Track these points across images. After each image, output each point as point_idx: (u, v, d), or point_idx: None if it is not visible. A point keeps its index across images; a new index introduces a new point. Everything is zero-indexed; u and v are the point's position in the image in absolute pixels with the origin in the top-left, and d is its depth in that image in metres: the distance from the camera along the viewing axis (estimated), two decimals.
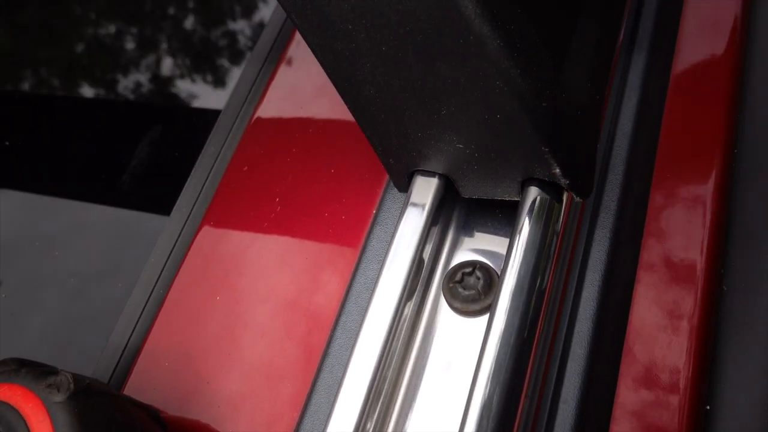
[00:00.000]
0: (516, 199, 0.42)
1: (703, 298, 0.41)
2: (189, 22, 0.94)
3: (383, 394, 0.41)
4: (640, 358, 0.40)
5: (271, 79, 0.61)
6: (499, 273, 0.43)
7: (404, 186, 0.46)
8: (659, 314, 0.41)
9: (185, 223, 0.56)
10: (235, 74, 0.84)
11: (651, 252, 0.43)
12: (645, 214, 0.45)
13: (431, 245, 0.45)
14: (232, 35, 0.90)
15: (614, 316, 0.42)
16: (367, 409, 0.39)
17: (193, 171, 0.59)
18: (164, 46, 0.91)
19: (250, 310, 0.49)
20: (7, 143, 0.80)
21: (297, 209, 0.52)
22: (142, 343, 0.50)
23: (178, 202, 0.57)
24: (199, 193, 0.57)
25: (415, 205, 0.44)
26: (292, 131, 0.57)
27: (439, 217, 0.45)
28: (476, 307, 0.43)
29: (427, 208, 0.44)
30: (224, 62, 0.88)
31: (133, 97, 0.87)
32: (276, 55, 0.63)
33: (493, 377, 0.36)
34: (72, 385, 0.36)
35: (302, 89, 0.59)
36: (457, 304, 0.43)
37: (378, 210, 0.50)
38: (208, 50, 0.90)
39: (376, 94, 0.39)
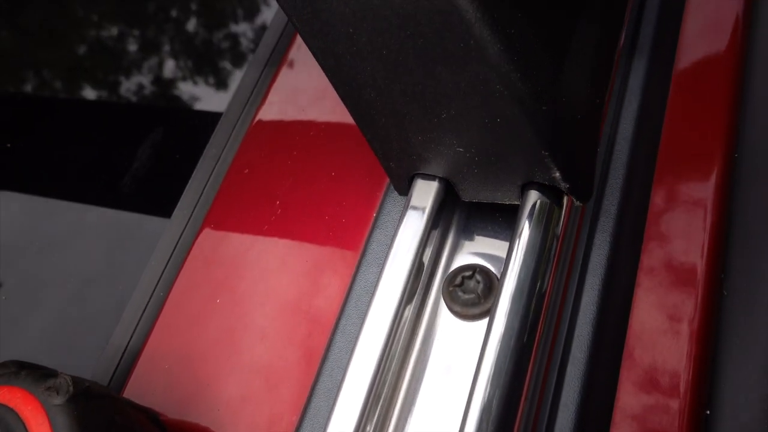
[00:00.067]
0: (516, 202, 0.42)
1: (703, 303, 0.41)
2: (191, 25, 0.94)
3: (383, 397, 0.41)
4: (641, 363, 0.40)
5: (273, 82, 0.61)
6: (499, 277, 0.43)
7: (404, 189, 0.46)
8: (659, 318, 0.41)
9: (186, 226, 0.56)
10: (236, 77, 0.84)
11: (651, 256, 0.43)
12: (645, 218, 0.45)
13: (431, 249, 0.45)
14: (233, 38, 0.90)
15: (614, 320, 0.42)
16: (366, 413, 0.39)
17: (194, 173, 0.59)
18: (166, 48, 0.91)
19: (250, 313, 0.49)
20: (9, 145, 0.80)
21: (297, 212, 0.52)
22: (142, 345, 0.50)
23: (178, 204, 0.57)
24: (200, 196, 0.57)
25: (415, 208, 0.44)
26: (293, 134, 0.57)
27: (439, 220, 0.45)
28: (476, 310, 0.43)
29: (427, 211, 0.44)
30: (226, 65, 0.88)
31: (134, 100, 0.87)
32: (277, 58, 0.63)
33: (492, 381, 0.36)
34: (71, 388, 0.36)
35: (303, 92, 0.59)
36: (457, 308, 0.43)
37: (378, 213, 0.50)
38: (210, 53, 0.90)
39: (376, 97, 0.39)
